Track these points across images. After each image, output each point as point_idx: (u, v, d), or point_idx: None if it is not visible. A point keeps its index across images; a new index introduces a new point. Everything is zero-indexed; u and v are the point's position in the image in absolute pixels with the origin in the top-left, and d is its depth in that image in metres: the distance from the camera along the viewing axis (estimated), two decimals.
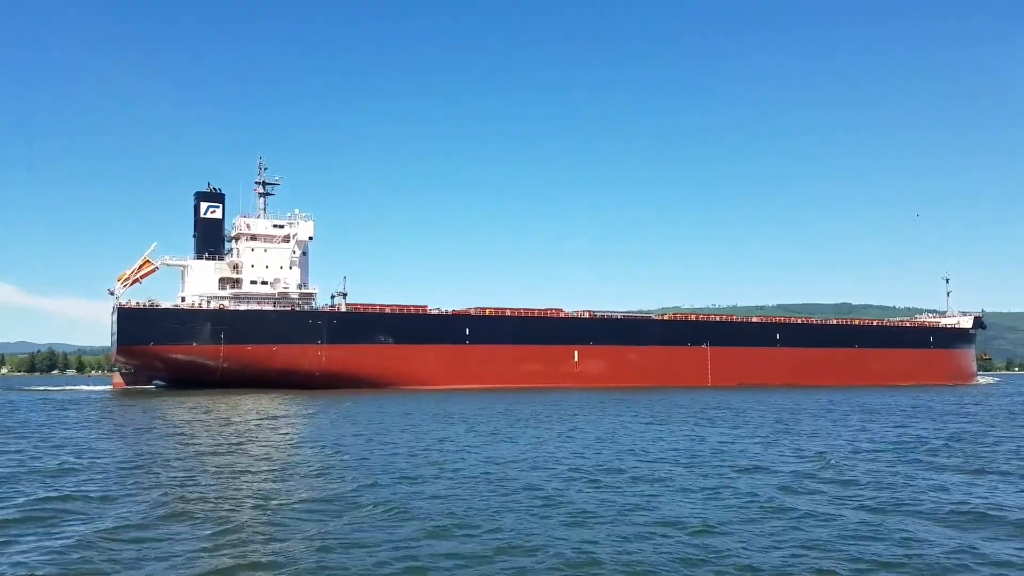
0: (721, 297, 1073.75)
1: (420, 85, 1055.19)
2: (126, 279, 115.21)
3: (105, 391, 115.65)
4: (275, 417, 57.70)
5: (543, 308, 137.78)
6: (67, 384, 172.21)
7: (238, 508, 21.82)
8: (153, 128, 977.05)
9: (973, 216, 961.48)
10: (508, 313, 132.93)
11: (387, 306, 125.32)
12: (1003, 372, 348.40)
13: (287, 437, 42.31)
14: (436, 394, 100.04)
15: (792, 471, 29.39)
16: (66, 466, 30.26)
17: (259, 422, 52.42)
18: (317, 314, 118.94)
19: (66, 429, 47.91)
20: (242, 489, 24.97)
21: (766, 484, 26.31)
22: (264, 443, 38.78)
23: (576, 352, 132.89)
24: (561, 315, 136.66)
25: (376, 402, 78.47)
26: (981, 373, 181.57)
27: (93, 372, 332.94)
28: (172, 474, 28.21)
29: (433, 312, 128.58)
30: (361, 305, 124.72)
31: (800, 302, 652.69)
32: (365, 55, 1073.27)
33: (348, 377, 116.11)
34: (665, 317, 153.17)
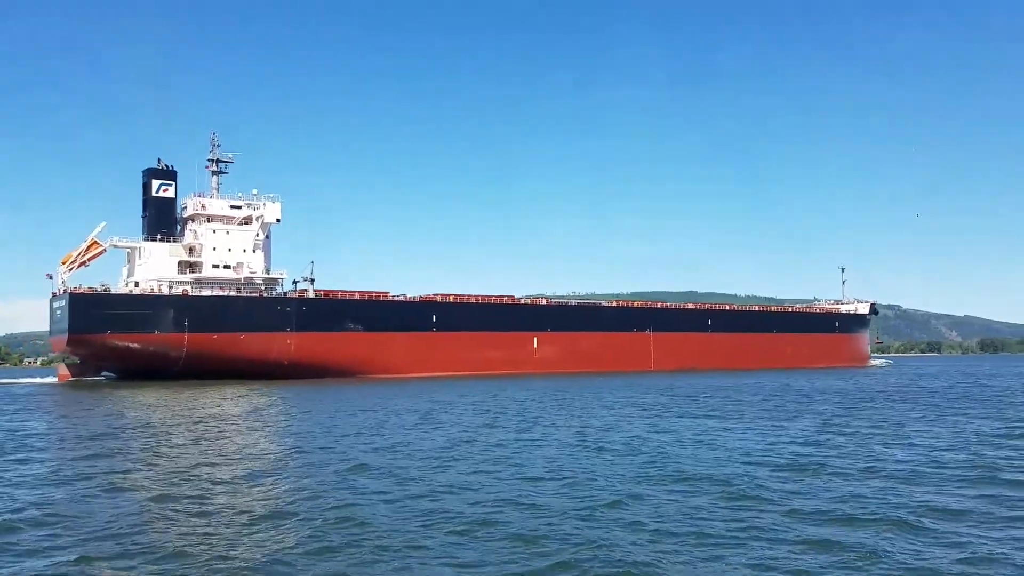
0: (580, 284, 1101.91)
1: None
2: (72, 261, 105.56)
3: (48, 384, 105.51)
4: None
5: (497, 295, 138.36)
6: None
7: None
8: (89, 100, 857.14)
9: (806, 207, 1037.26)
10: (472, 300, 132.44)
11: (355, 292, 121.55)
12: (894, 355, 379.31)
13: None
14: (414, 383, 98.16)
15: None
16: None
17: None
18: (286, 300, 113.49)
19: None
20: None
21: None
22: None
23: (535, 339, 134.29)
24: (520, 302, 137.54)
25: (365, 396, 76.49)
26: (874, 356, 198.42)
27: None
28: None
29: (397, 299, 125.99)
30: (330, 291, 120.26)
31: (651, 289, 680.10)
32: (330, 25, 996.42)
33: (318, 366, 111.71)
34: (614, 304, 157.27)
